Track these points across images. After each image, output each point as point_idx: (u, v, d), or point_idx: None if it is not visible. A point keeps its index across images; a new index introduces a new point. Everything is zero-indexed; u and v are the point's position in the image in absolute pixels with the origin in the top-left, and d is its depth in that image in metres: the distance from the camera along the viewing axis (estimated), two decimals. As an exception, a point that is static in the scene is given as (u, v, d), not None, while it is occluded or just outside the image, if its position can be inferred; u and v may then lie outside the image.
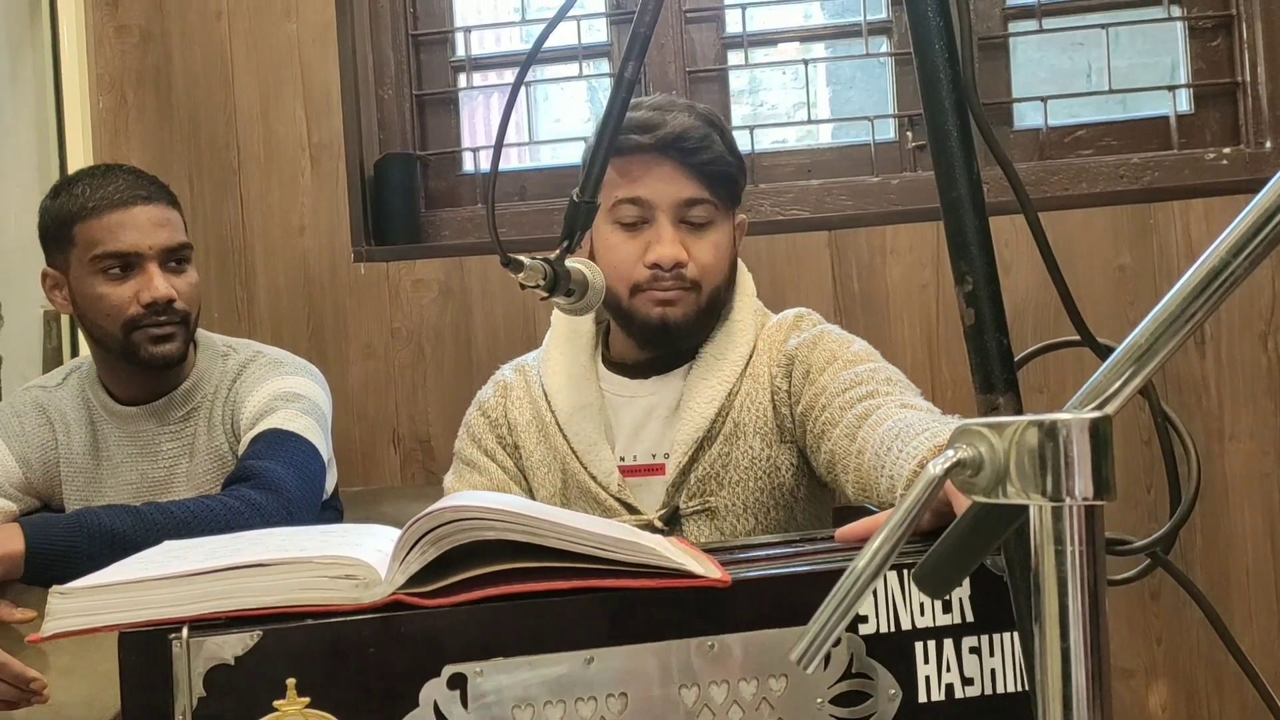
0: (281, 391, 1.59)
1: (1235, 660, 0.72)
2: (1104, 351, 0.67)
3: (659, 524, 1.32)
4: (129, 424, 1.61)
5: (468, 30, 2.31)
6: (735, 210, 1.41)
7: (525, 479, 1.43)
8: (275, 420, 1.55)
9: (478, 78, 2.35)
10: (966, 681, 0.77)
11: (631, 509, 1.34)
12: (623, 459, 1.38)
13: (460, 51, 2.32)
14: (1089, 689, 0.50)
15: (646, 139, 1.34)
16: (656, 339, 1.38)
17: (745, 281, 1.45)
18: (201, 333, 1.67)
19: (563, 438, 1.39)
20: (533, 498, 1.41)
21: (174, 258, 1.56)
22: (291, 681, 0.70)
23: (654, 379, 1.40)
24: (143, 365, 1.55)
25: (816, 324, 1.40)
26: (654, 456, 1.37)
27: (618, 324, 1.42)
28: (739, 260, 1.47)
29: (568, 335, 1.45)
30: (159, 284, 1.52)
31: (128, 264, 1.52)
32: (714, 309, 1.38)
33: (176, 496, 1.59)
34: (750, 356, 1.38)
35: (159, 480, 1.61)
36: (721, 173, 1.35)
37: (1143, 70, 2.25)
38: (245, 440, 1.55)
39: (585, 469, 1.36)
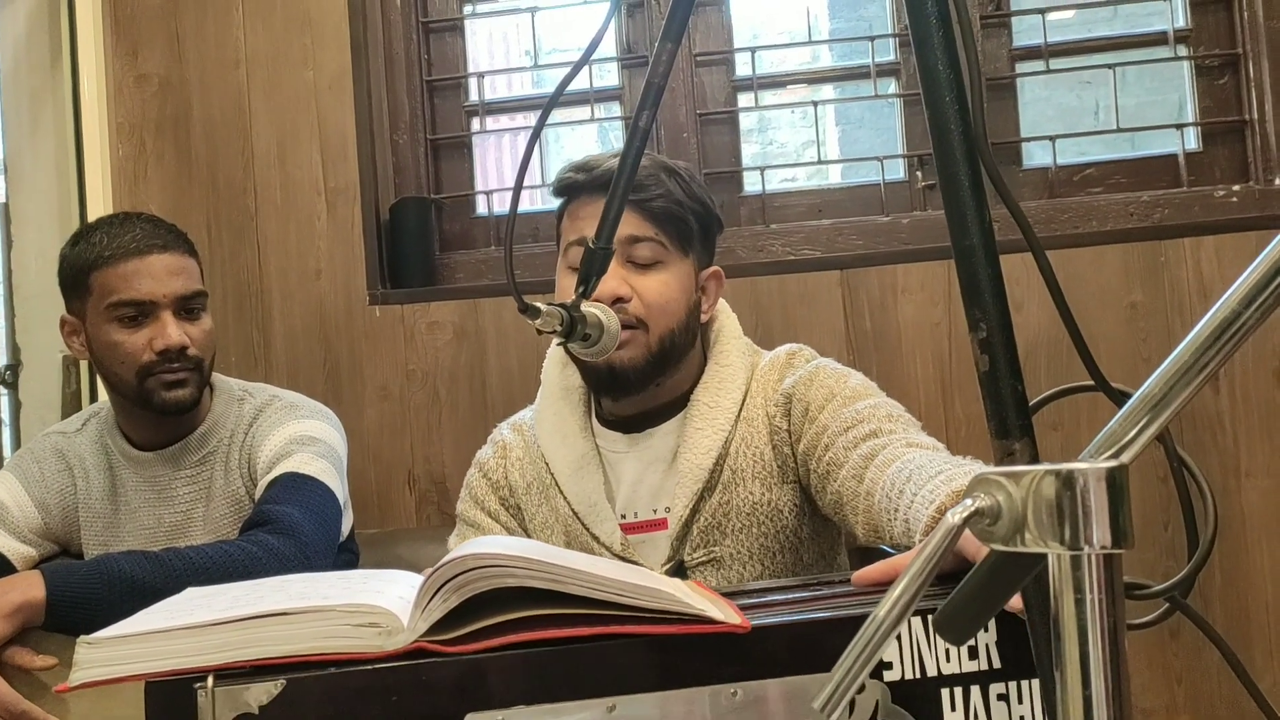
0: (298, 435, 1.60)
1: (1256, 703, 0.71)
2: (1118, 397, 0.68)
3: None
4: (146, 469, 1.62)
5: (480, 75, 2.35)
6: (693, 255, 1.37)
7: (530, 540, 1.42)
8: (291, 464, 1.56)
9: (490, 122, 2.38)
10: None
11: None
12: (624, 516, 1.36)
13: (473, 96, 2.35)
14: (1111, 737, 0.50)
15: (583, 177, 1.34)
16: (605, 385, 1.35)
17: (730, 324, 1.43)
18: (218, 377, 1.69)
19: (563, 499, 1.37)
20: None
21: (188, 305, 1.57)
22: (315, 730, 0.70)
23: (648, 431, 1.37)
24: (157, 411, 1.56)
25: (810, 359, 1.38)
26: (655, 511, 1.35)
27: (578, 371, 1.40)
28: (722, 301, 1.45)
29: (559, 393, 1.43)
30: (172, 332, 1.53)
31: (142, 312, 1.54)
32: (669, 353, 1.34)
33: (194, 541, 1.60)
34: (744, 399, 1.35)
35: (176, 525, 1.61)
36: (668, 212, 1.32)
37: (1150, 109, 2.27)
38: (262, 484, 1.56)
39: (587, 530, 1.34)
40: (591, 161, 1.36)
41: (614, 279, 1.30)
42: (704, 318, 1.41)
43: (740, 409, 1.35)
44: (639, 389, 1.35)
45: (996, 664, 0.76)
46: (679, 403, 1.38)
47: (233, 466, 1.62)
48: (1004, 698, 0.76)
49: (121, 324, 1.54)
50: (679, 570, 1.32)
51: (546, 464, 1.40)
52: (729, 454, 1.33)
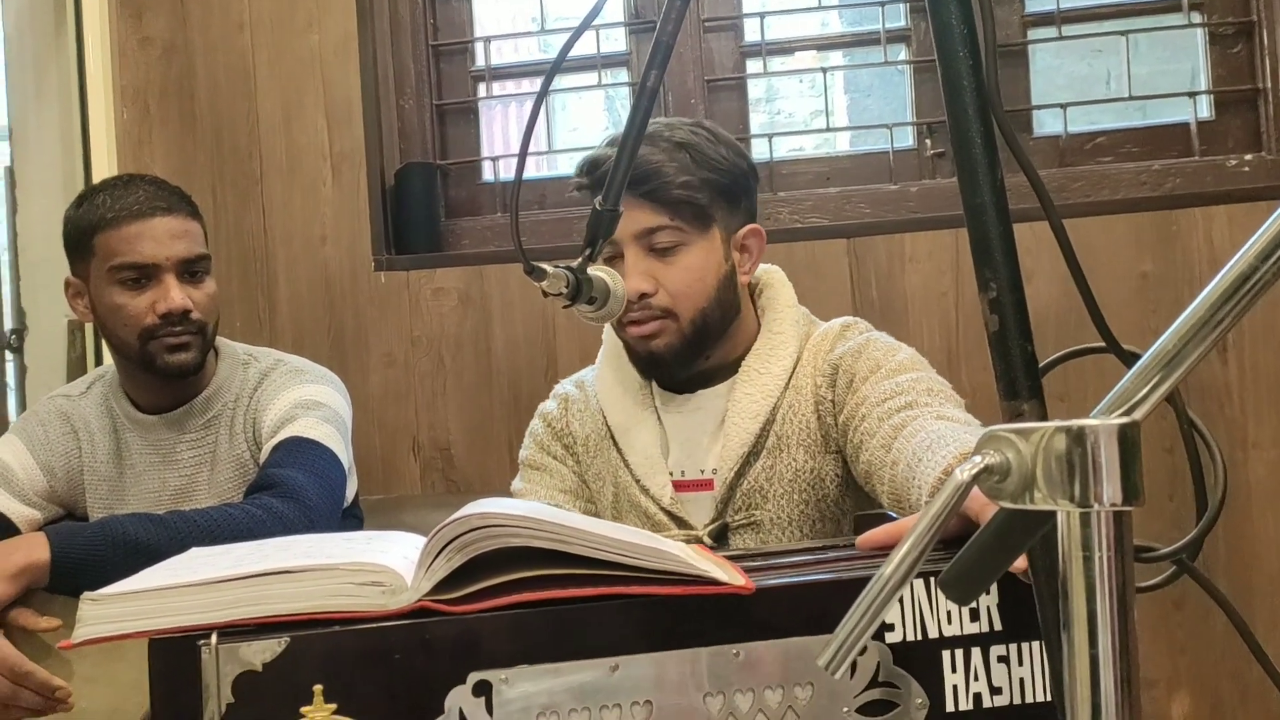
0: (302, 399, 1.60)
1: (1261, 667, 0.71)
2: (1130, 358, 0.67)
3: (708, 540, 1.32)
4: (151, 432, 1.62)
5: (487, 40, 2.33)
6: (717, 226, 1.35)
7: (588, 488, 1.44)
8: (296, 428, 1.55)
9: (497, 87, 2.36)
10: (995, 691, 0.76)
11: (682, 523, 1.34)
12: (672, 474, 1.37)
13: (480, 61, 2.34)
14: (1118, 696, 0.50)
15: (588, 180, 1.34)
16: (649, 369, 1.38)
17: (783, 292, 1.43)
18: (223, 341, 1.68)
19: (617, 452, 1.39)
20: (594, 507, 1.43)
21: (192, 269, 1.56)
22: (319, 688, 0.70)
23: (700, 393, 1.39)
24: (160, 374, 1.56)
25: (863, 332, 1.38)
26: (702, 471, 1.37)
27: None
28: (778, 270, 1.45)
29: (618, 351, 1.44)
30: (175, 295, 1.52)
31: (145, 274, 1.53)
32: (706, 331, 1.34)
33: (198, 504, 1.60)
34: (794, 367, 1.36)
35: (180, 488, 1.62)
36: (681, 198, 1.31)
37: (1162, 77, 2.24)
38: (266, 448, 1.56)
39: (638, 482, 1.36)
40: (598, 159, 1.33)
41: (635, 275, 1.30)
42: (745, 278, 1.40)
43: (790, 377, 1.36)
44: (683, 369, 1.36)
45: (998, 626, 0.76)
46: (731, 367, 1.39)
47: (237, 430, 1.62)
48: (1004, 659, 0.76)
49: (124, 286, 1.53)
50: (722, 531, 1.34)
51: (604, 418, 1.42)
52: (776, 420, 1.34)
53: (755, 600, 0.74)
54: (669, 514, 1.34)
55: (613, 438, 1.40)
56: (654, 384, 1.42)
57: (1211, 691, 1.96)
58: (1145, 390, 0.52)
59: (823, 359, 1.36)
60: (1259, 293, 0.50)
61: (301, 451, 1.52)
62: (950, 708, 0.75)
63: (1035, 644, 0.76)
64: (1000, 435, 0.51)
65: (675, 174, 1.31)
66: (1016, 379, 0.68)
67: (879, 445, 1.19)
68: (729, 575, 0.76)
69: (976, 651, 0.76)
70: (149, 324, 1.53)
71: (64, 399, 1.67)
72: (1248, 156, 2.12)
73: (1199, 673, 1.96)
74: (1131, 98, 2.15)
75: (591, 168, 1.34)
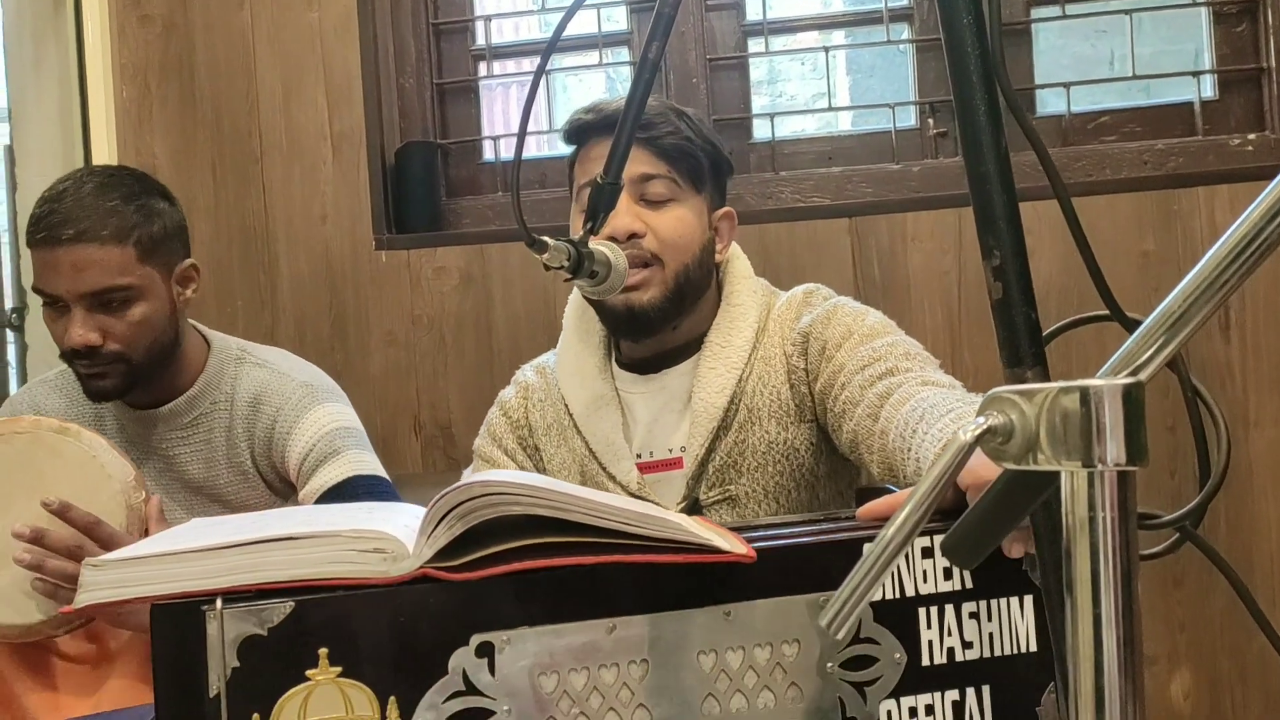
0: (335, 425, 1.56)
1: (1265, 635, 0.71)
2: (1133, 325, 0.67)
3: None
4: (137, 426, 1.59)
5: (488, 19, 2.32)
6: (705, 193, 1.38)
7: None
8: (356, 464, 1.52)
9: (497, 66, 2.36)
10: (966, 645, 0.81)
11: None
12: (640, 456, 1.37)
13: (481, 40, 2.33)
14: (1120, 656, 0.50)
15: (592, 118, 1.36)
16: (625, 327, 1.36)
17: (740, 264, 1.44)
18: (217, 336, 1.64)
19: (580, 439, 1.38)
20: None
21: (104, 300, 1.45)
22: (324, 651, 0.70)
23: (664, 372, 1.39)
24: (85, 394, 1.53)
25: (828, 297, 1.39)
26: (670, 451, 1.36)
27: (595, 312, 1.41)
28: (735, 245, 1.45)
29: (580, 335, 1.44)
30: (74, 333, 1.43)
31: (58, 304, 1.46)
32: (685, 291, 1.34)
33: (186, 501, 1.59)
34: (757, 338, 1.36)
35: (170, 485, 1.59)
36: (680, 149, 1.34)
37: (1166, 57, 2.23)
38: (326, 481, 1.51)
39: (604, 469, 1.36)
40: (600, 104, 1.38)
41: (628, 215, 1.31)
42: (719, 258, 1.41)
43: (753, 347, 1.35)
44: (658, 329, 1.35)
45: (969, 585, 0.81)
46: (694, 344, 1.39)
47: (238, 439, 1.58)
48: (975, 615, 0.81)
49: (47, 307, 1.47)
50: (694, 508, 1.33)
51: (565, 405, 1.41)
52: (745, 393, 1.33)
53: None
54: (638, 498, 1.32)
55: (575, 424, 1.39)
56: (615, 366, 1.42)
57: (1211, 669, 1.96)
58: (1150, 352, 0.52)
59: (790, 328, 1.36)
60: (1264, 254, 0.50)
61: (385, 494, 1.51)
62: (925, 661, 0.80)
63: (1003, 600, 0.81)
64: (1004, 397, 0.52)
65: (675, 127, 1.34)
66: (1020, 346, 0.68)
67: (865, 414, 1.18)
68: (730, 544, 0.76)
69: (950, 608, 0.81)
70: (66, 349, 1.47)
71: (40, 384, 1.65)
72: (1251, 136, 2.11)
73: (1198, 650, 1.96)
74: (1135, 77, 2.15)
75: (595, 109, 1.37)
